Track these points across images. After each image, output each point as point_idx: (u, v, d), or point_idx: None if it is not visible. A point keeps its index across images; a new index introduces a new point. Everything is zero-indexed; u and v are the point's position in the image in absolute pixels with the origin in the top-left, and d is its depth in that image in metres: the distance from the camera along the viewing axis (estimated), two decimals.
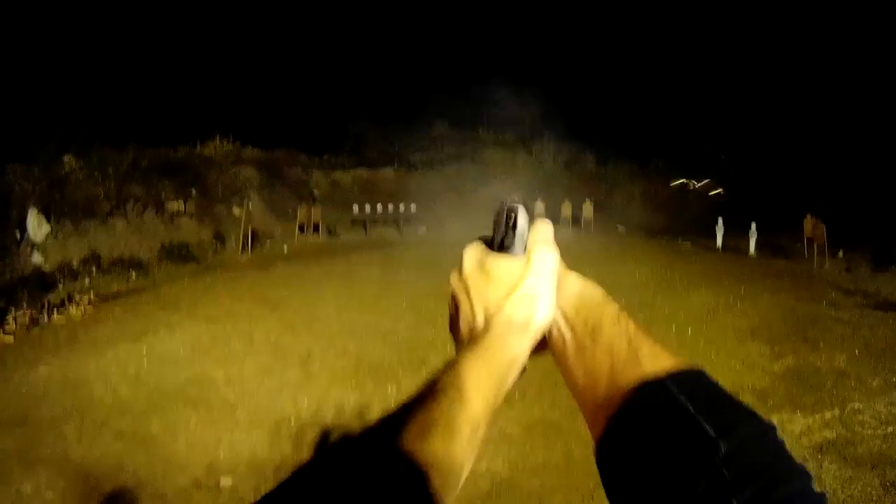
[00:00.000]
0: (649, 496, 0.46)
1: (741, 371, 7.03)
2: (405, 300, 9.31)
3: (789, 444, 0.47)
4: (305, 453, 5.08)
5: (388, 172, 19.63)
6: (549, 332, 0.64)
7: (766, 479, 0.42)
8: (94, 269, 11.15)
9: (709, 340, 8.07)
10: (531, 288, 0.62)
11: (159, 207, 13.13)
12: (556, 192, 18.79)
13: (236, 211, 14.04)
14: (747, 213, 15.61)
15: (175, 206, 13.47)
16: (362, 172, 19.36)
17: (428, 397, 0.52)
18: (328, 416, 5.77)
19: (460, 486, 0.51)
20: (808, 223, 12.81)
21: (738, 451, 0.43)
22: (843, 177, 16.68)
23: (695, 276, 11.71)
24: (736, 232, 14.88)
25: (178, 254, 12.03)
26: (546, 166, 21.81)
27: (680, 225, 18.25)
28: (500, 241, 0.66)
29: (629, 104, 23.94)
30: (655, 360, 0.55)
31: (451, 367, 0.57)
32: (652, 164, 23.24)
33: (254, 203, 14.78)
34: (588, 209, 17.62)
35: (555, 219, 17.27)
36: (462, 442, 0.51)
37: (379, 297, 9.69)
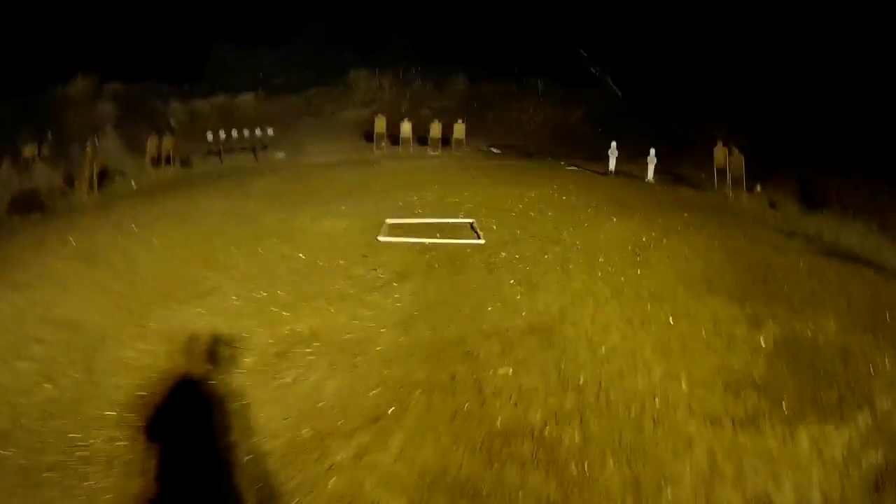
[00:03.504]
0: None
1: (720, 349, 4.78)
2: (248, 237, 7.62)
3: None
4: None
5: (247, 98, 18.92)
6: None
7: None
8: None
9: (655, 295, 5.76)
10: None
11: (15, 155, 12.31)
12: (426, 113, 17.70)
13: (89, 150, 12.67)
14: (642, 135, 13.76)
15: (30, 151, 12.64)
16: (221, 99, 18.55)
17: None
18: None
19: None
20: (721, 152, 11.19)
21: None
22: (750, 100, 15.00)
23: (596, 202, 9.52)
24: (626, 158, 13.04)
25: (26, 203, 11.00)
26: (414, 87, 20.56)
27: (562, 149, 16.25)
28: None
29: (502, 17, 21.05)
30: None
31: None
32: (526, 82, 20.83)
33: (109, 139, 14.18)
34: (459, 130, 15.49)
35: (423, 140, 15.34)
36: None
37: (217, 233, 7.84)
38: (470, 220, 8.41)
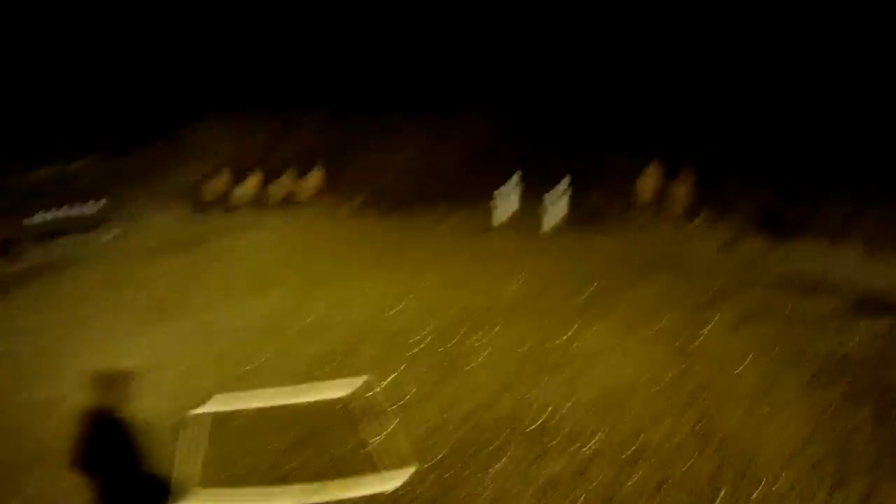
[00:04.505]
0: None
1: None
2: None
3: None
4: None
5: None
6: None
7: None
8: None
9: None
10: None
11: None
12: (273, 161, 15.25)
13: None
14: (536, 168, 11.61)
15: None
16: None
17: None
18: None
19: None
20: (650, 178, 9.26)
21: None
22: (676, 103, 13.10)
23: (503, 301, 7.14)
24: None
25: None
26: (264, 132, 17.70)
27: (435, 194, 13.85)
28: None
29: (363, 37, 18.19)
30: None
31: None
32: (390, 115, 18.20)
33: None
34: (313, 181, 13.39)
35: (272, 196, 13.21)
36: None
37: None
38: (361, 385, 4.31)
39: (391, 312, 6.40)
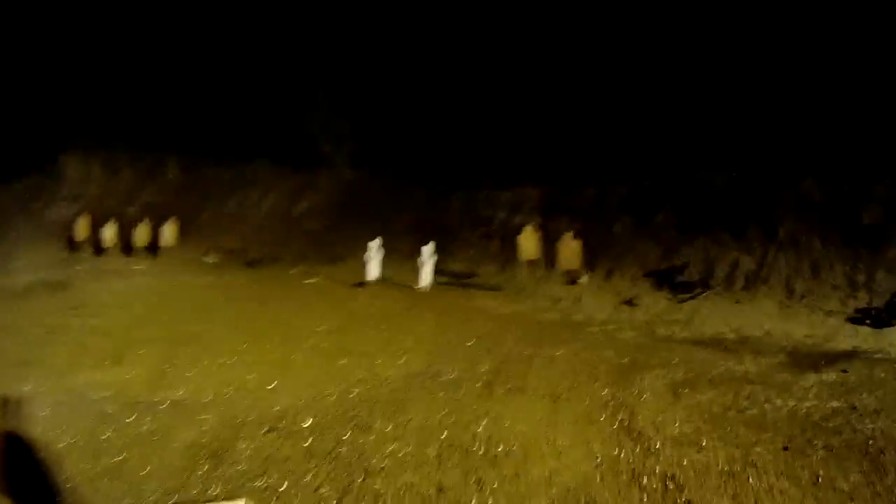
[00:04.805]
0: None
1: None
2: None
3: None
4: None
5: None
6: None
7: None
8: None
9: None
10: None
11: None
12: (135, 210, 15.24)
13: None
14: (402, 224, 10.88)
15: None
16: None
17: None
18: None
19: None
20: (530, 238, 8.82)
21: None
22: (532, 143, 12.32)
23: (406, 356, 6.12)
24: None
25: None
26: (123, 176, 17.64)
27: (292, 249, 12.87)
28: None
29: (217, 91, 16.89)
30: None
31: None
32: (246, 168, 17.03)
33: None
34: (170, 233, 13.22)
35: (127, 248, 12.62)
36: None
37: None
38: None
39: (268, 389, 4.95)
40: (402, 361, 5.73)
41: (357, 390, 4.90)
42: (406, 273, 9.59)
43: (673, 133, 11.36)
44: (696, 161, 10.78)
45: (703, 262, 9.22)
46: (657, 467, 3.55)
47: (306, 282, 10.10)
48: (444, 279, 9.59)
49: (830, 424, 4.23)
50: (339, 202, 14.70)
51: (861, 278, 7.82)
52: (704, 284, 8.64)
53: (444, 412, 4.40)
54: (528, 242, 8.92)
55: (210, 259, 13.04)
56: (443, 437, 3.97)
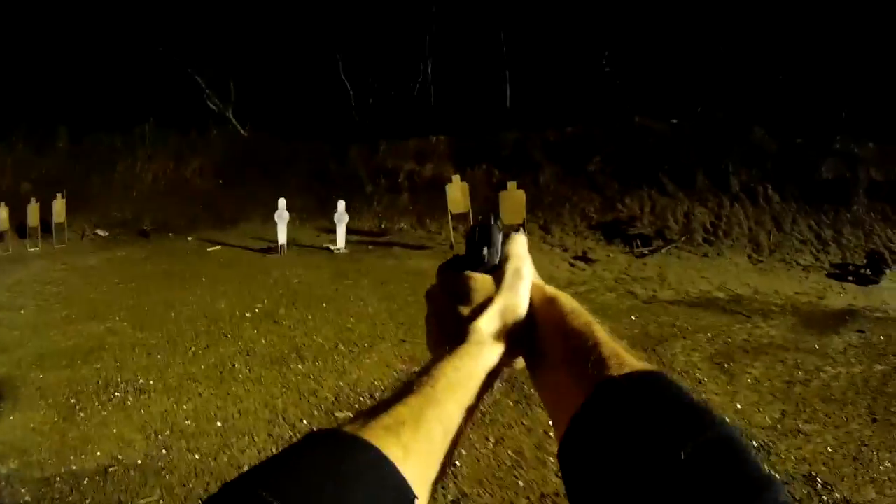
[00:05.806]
0: (606, 496, 0.43)
1: None
2: None
3: None
4: None
5: None
6: (523, 341, 0.63)
7: (734, 487, 0.37)
8: None
9: None
10: (505, 302, 0.62)
11: None
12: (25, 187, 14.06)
13: None
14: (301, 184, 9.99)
15: None
16: None
17: (401, 395, 0.52)
18: None
19: (432, 489, 0.48)
20: (458, 189, 7.96)
21: (703, 456, 0.39)
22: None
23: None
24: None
25: None
26: (15, 153, 15.90)
27: (184, 217, 11.73)
28: (474, 256, 0.65)
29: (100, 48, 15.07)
30: (619, 364, 0.51)
31: (424, 370, 0.56)
32: (133, 131, 15.53)
33: None
34: (60, 209, 11.68)
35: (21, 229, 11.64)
36: (434, 440, 0.50)
37: None
38: None
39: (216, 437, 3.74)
40: (375, 360, 4.83)
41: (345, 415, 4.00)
42: (308, 234, 8.72)
43: (606, 74, 11.01)
44: (632, 106, 10.52)
45: (653, 214, 9.00)
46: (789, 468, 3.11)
47: (210, 250, 9.37)
48: (354, 238, 8.90)
49: (890, 389, 4.07)
50: (231, 162, 13.72)
51: (829, 233, 7.93)
52: (662, 238, 8.41)
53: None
54: (456, 194, 8.10)
55: (101, 233, 12.26)
56: None
